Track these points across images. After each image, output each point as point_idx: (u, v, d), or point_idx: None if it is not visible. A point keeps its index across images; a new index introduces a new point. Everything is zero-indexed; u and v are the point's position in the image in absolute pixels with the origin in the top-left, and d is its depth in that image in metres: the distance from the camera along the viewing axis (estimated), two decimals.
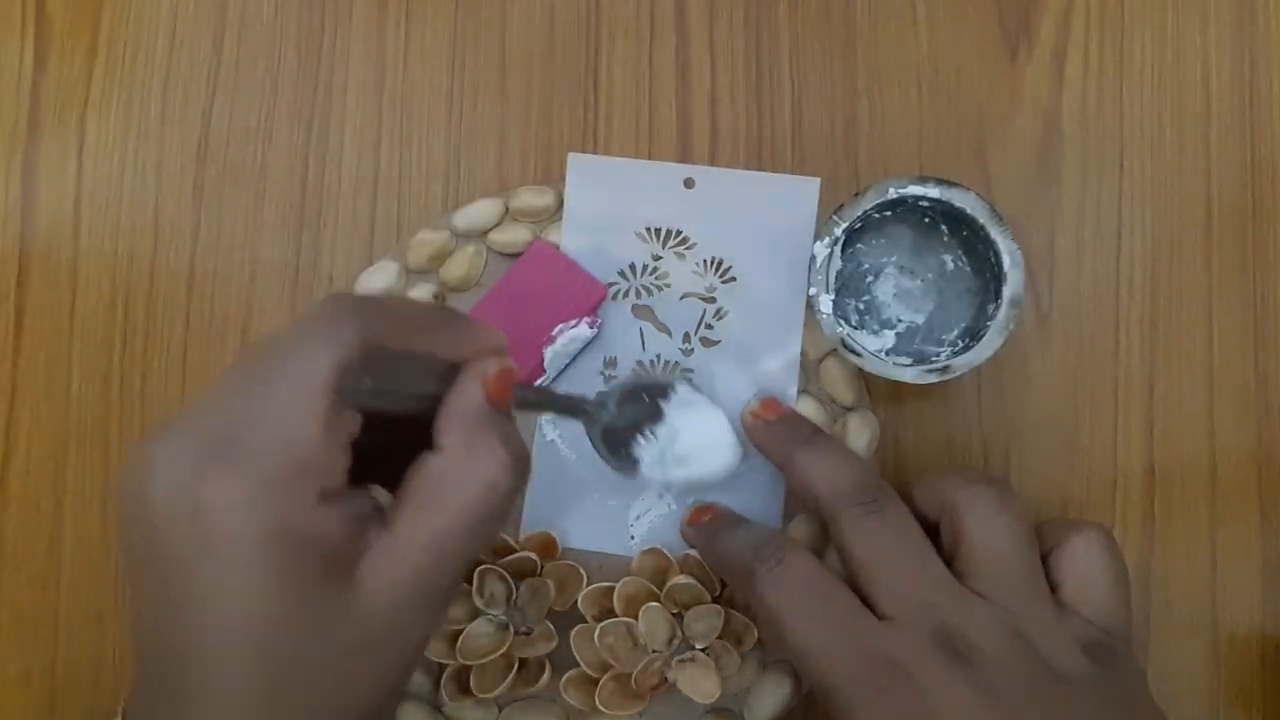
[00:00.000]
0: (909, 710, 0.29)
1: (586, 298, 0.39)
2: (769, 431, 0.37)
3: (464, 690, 0.37)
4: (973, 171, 0.41)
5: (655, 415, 0.37)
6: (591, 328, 0.39)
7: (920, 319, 0.39)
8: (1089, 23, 0.42)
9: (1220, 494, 0.40)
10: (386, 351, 0.28)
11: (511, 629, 0.37)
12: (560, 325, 0.39)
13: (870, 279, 0.39)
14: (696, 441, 0.37)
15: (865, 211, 0.36)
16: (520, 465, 0.29)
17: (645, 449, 0.37)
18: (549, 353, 0.39)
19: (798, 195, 0.39)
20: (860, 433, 0.39)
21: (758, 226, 0.40)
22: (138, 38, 0.43)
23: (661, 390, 0.37)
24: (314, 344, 0.27)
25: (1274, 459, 0.40)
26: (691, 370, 0.40)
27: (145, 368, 0.42)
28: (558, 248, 0.40)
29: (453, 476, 0.28)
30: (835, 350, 0.37)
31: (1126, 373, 0.40)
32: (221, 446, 0.26)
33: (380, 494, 0.30)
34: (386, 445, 0.29)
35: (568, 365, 0.39)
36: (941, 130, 0.41)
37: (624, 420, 0.37)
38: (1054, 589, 0.32)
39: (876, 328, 0.39)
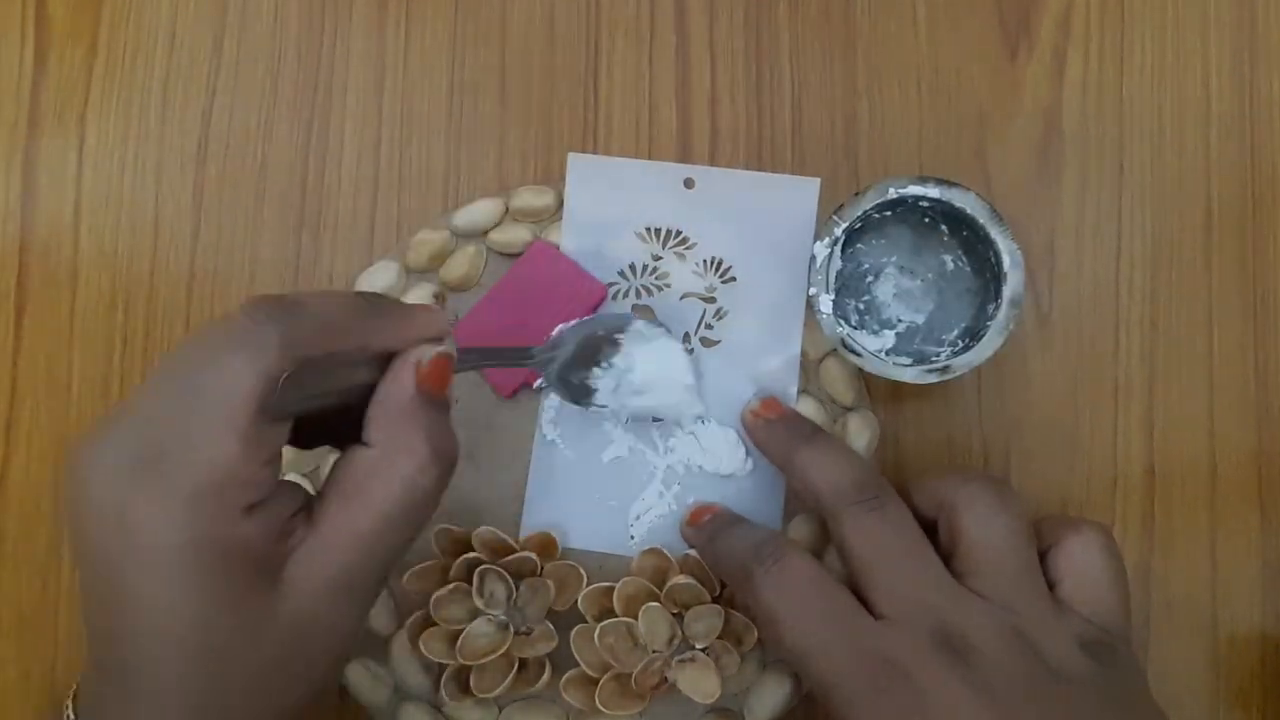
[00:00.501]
0: (908, 710, 0.29)
1: (586, 298, 0.39)
2: (769, 430, 0.37)
3: (464, 690, 0.37)
4: (973, 171, 0.41)
5: (611, 347, 0.38)
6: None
7: (920, 319, 0.39)
8: (1089, 23, 0.42)
9: (1220, 494, 0.40)
10: (312, 360, 0.28)
11: (511, 629, 0.37)
12: (560, 326, 0.39)
13: (870, 279, 0.39)
14: (654, 372, 0.38)
15: (865, 211, 0.36)
16: (444, 461, 0.30)
17: (600, 379, 0.38)
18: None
19: (798, 195, 0.39)
20: (860, 433, 0.39)
21: (758, 226, 0.40)
22: (138, 38, 0.43)
23: (618, 326, 0.38)
24: (236, 357, 0.27)
25: (1274, 459, 0.40)
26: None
27: (145, 368, 0.42)
28: (558, 248, 0.40)
29: (374, 474, 0.29)
30: (835, 350, 0.37)
31: (1126, 373, 0.40)
32: (148, 460, 0.26)
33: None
34: (333, 419, 0.30)
35: None
36: (941, 130, 0.41)
37: (582, 357, 0.37)
38: (1052, 587, 0.32)
39: (876, 328, 0.39)
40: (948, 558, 0.32)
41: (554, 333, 0.38)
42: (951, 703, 0.29)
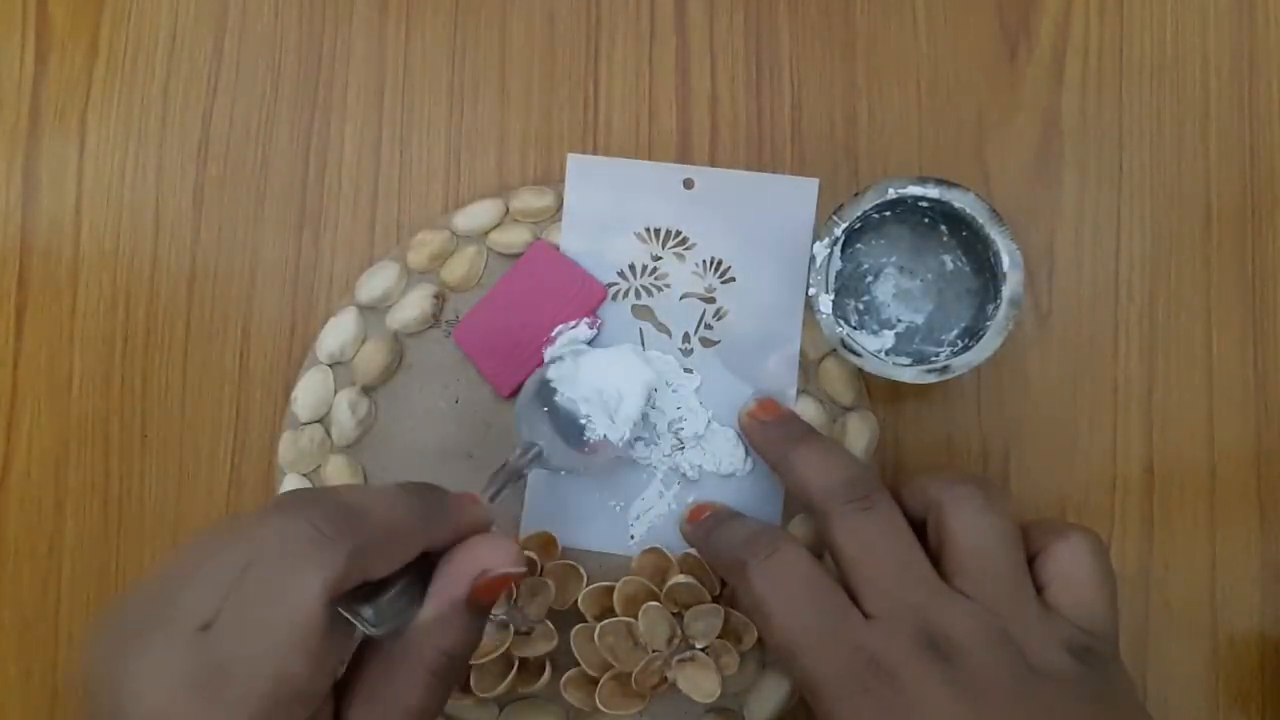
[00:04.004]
0: (890, 709, 0.29)
1: (586, 298, 0.39)
2: (764, 431, 0.37)
3: (464, 690, 0.37)
4: (972, 171, 0.41)
5: (569, 407, 0.37)
6: (591, 328, 0.39)
7: (920, 319, 0.39)
8: (1089, 23, 0.42)
9: (1220, 494, 0.40)
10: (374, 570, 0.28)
11: (512, 629, 0.37)
12: (560, 325, 0.39)
13: (870, 279, 0.39)
14: (606, 379, 0.37)
15: (865, 211, 0.36)
16: (448, 687, 0.29)
17: (598, 427, 0.37)
18: (549, 353, 0.39)
19: (797, 195, 0.39)
20: (860, 433, 0.39)
21: (757, 227, 0.40)
22: (138, 38, 0.43)
23: (549, 387, 0.38)
24: (304, 575, 0.26)
25: (1273, 459, 0.40)
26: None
27: (145, 368, 0.42)
28: (557, 248, 0.40)
29: (394, 691, 0.28)
30: (835, 350, 0.37)
31: (1126, 373, 0.40)
32: (209, 676, 0.25)
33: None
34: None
35: None
36: (941, 130, 0.41)
37: (562, 429, 0.37)
38: (1041, 590, 0.32)
39: (876, 328, 0.39)
40: (936, 558, 0.32)
41: (517, 429, 0.37)
42: (935, 703, 0.29)
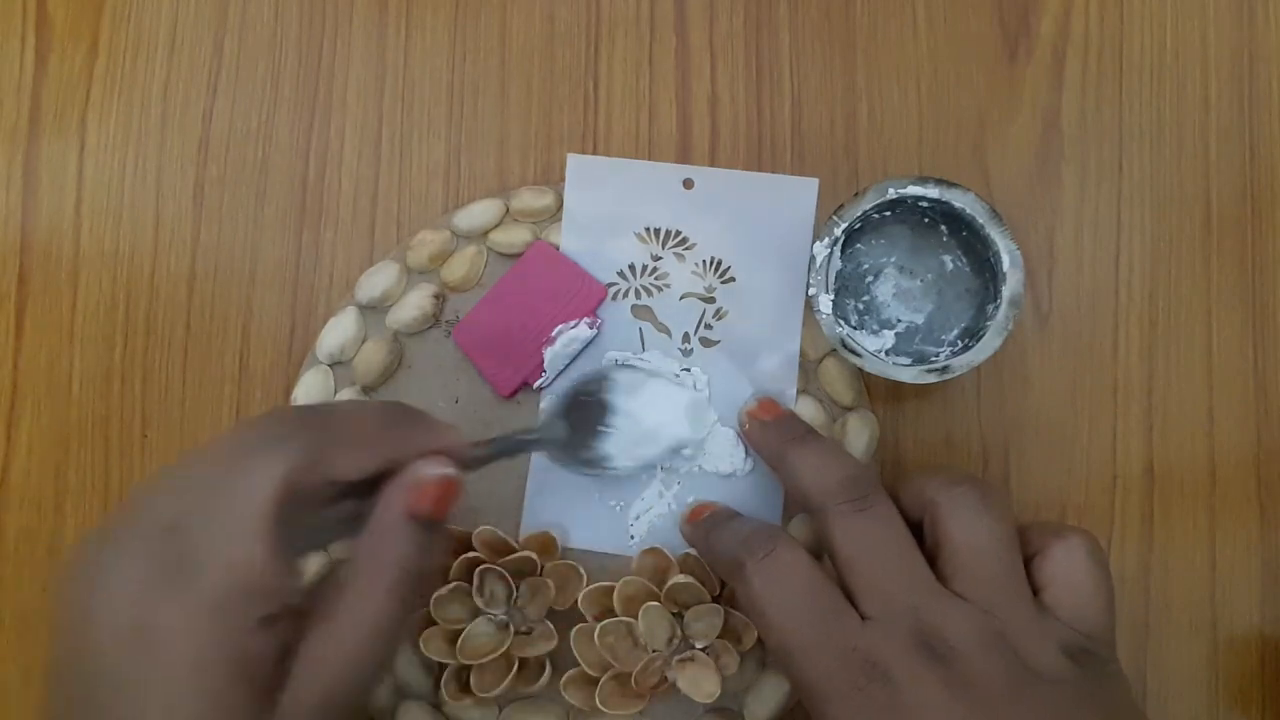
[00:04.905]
0: (886, 709, 0.29)
1: (586, 299, 0.39)
2: (763, 431, 0.37)
3: (464, 689, 0.37)
4: (972, 171, 0.41)
5: (604, 410, 0.37)
6: (591, 328, 0.39)
7: (920, 319, 0.39)
8: (1089, 23, 0.42)
9: (1219, 494, 0.40)
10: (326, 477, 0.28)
11: (512, 628, 0.37)
12: (560, 326, 0.39)
13: (870, 279, 0.39)
14: (655, 415, 0.38)
15: (865, 211, 0.36)
16: (408, 584, 0.29)
17: (610, 443, 0.37)
18: (549, 353, 0.39)
19: (797, 196, 0.39)
20: (859, 433, 0.39)
21: (757, 227, 0.40)
22: (138, 39, 0.43)
23: (599, 384, 0.38)
24: (260, 460, 0.27)
25: (1273, 459, 0.40)
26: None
27: (145, 368, 0.42)
28: (557, 248, 0.40)
29: (349, 608, 0.29)
30: (835, 350, 0.37)
31: (1125, 373, 0.40)
32: (172, 567, 0.26)
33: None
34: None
35: (567, 365, 0.39)
36: (941, 130, 0.41)
37: (578, 428, 0.37)
38: (1037, 592, 0.32)
39: (876, 328, 0.39)
40: (932, 559, 0.32)
41: (542, 405, 0.37)
42: (929, 703, 0.29)
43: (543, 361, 0.39)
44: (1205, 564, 0.40)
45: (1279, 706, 0.39)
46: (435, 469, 0.30)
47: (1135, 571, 0.40)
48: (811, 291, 0.36)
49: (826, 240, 0.36)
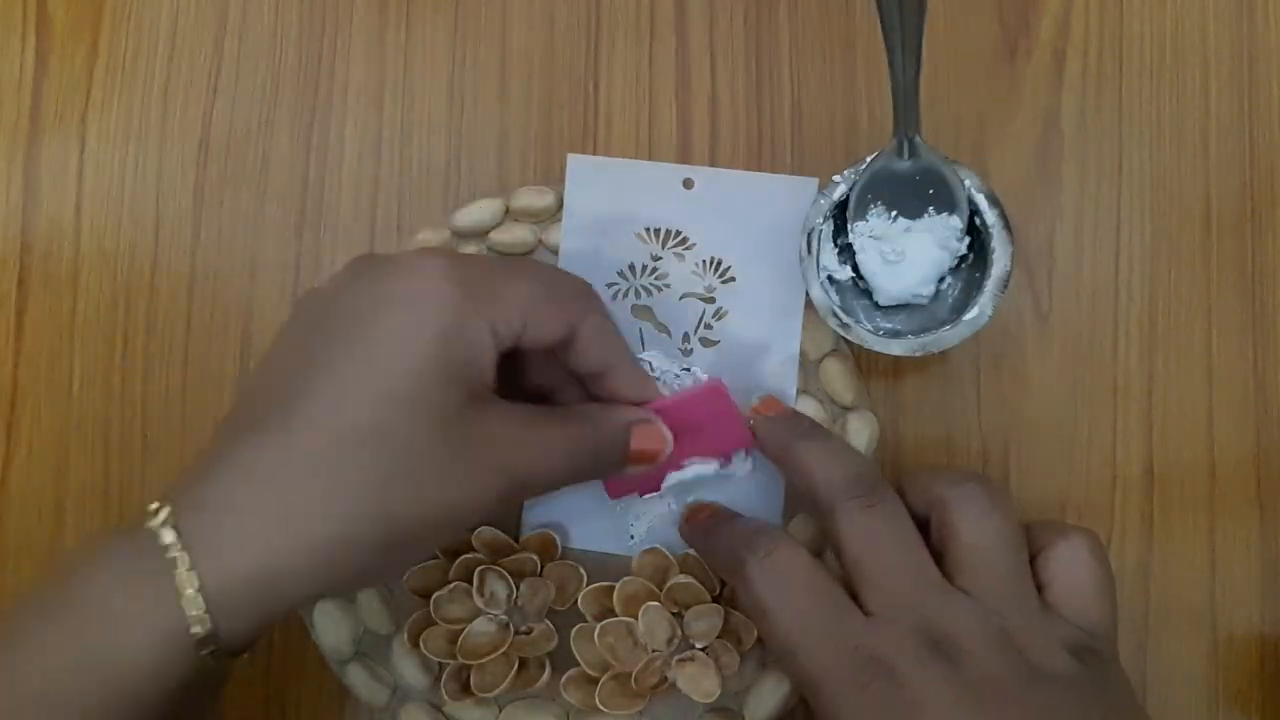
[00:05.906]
0: (890, 707, 0.29)
1: (730, 442, 0.38)
2: (768, 426, 0.37)
3: (464, 689, 0.37)
4: (972, 171, 0.41)
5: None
6: (721, 468, 0.38)
7: (913, 299, 0.38)
8: (1089, 23, 0.42)
9: (1219, 494, 0.40)
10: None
11: (512, 628, 0.37)
12: (694, 458, 0.38)
13: (862, 257, 0.38)
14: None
15: (859, 189, 0.36)
16: (583, 473, 0.35)
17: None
18: (673, 477, 0.38)
19: (797, 196, 0.39)
20: (860, 433, 0.39)
21: (757, 227, 0.40)
22: (139, 39, 0.43)
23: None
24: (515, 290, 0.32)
25: (1273, 459, 0.40)
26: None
27: (145, 368, 0.42)
28: (725, 386, 0.38)
29: (583, 428, 0.34)
30: (833, 343, 0.37)
31: (1125, 373, 0.40)
32: (475, 290, 0.31)
33: None
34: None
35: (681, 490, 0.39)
36: (941, 130, 0.41)
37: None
38: (1040, 590, 0.32)
39: (869, 308, 0.38)
40: (938, 557, 0.32)
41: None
42: (934, 700, 0.29)
43: (662, 480, 0.38)
44: (1205, 564, 0.40)
45: (1279, 706, 0.39)
46: (658, 438, 0.35)
47: (1135, 571, 0.40)
48: (803, 264, 0.37)
49: (824, 202, 0.37)
